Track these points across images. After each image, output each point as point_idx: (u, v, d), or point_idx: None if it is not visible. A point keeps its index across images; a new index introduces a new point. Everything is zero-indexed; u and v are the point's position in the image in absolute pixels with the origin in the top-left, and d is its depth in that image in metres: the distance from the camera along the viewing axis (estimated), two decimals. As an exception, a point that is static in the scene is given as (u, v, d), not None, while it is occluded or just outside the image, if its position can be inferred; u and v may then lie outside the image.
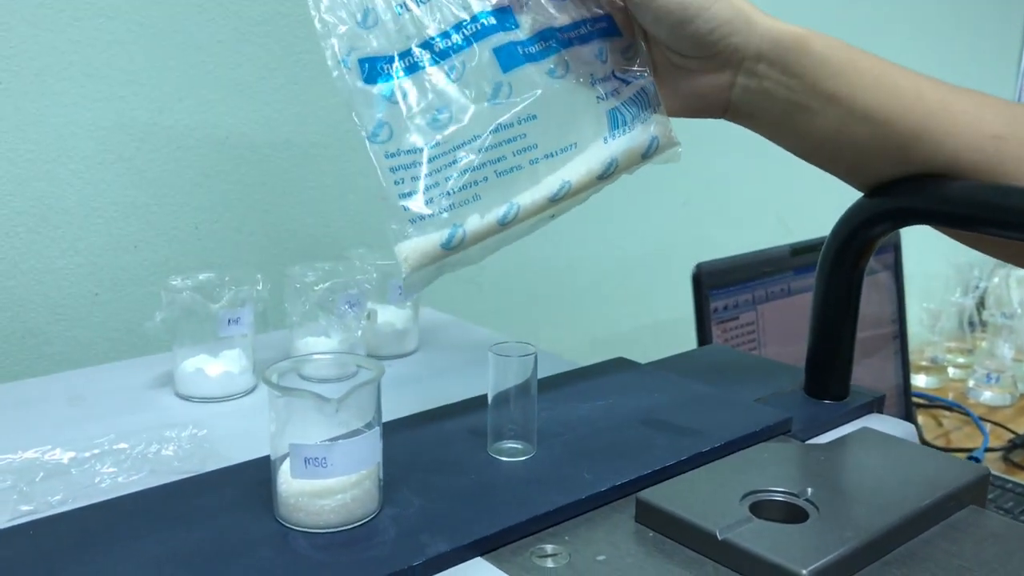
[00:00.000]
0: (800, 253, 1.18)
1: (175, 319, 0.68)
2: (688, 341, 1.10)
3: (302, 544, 0.46)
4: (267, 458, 0.50)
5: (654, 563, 0.46)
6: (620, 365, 0.72)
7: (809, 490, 0.50)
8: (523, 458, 0.55)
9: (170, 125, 0.91)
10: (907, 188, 0.59)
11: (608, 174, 0.57)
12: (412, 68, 0.56)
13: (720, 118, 0.61)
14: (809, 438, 0.61)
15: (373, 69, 0.56)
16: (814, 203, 1.48)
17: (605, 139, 0.57)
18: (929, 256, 1.74)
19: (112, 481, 0.55)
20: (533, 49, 0.57)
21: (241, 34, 0.94)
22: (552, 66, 0.56)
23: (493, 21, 0.56)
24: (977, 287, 1.89)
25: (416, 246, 0.54)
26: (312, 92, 1.00)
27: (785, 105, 0.57)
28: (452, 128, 0.55)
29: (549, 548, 0.47)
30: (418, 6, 0.56)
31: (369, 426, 0.48)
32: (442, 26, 0.56)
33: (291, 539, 0.46)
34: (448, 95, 0.55)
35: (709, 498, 0.49)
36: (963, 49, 1.98)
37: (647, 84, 0.58)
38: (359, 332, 0.72)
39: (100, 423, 0.64)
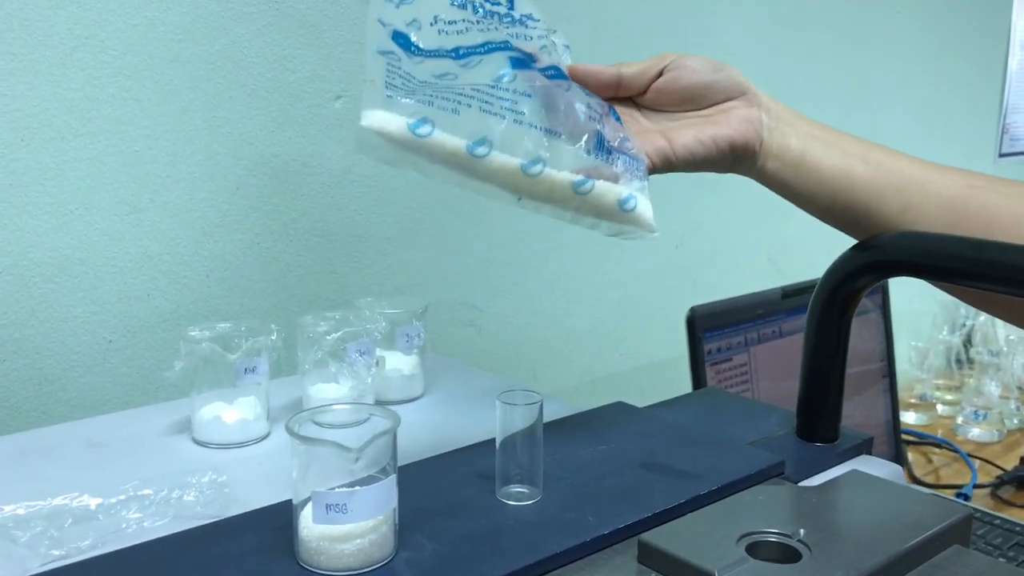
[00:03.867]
0: (791, 296, 1.22)
1: (193, 368, 0.71)
2: (683, 380, 1.13)
3: (324, 586, 0.48)
4: (286, 503, 0.53)
5: (656, 602, 0.48)
6: (620, 410, 0.75)
7: (801, 531, 0.52)
8: (530, 502, 0.58)
9: (182, 177, 0.94)
10: (891, 241, 0.63)
11: (583, 191, 0.60)
12: (435, 55, 0.61)
13: (755, 163, 0.67)
14: (801, 480, 0.64)
15: (403, 39, 0.61)
16: (804, 246, 1.52)
17: (588, 151, 0.61)
18: (916, 295, 1.78)
19: (138, 526, 0.57)
20: (545, 72, 0.62)
21: (251, 90, 0.97)
22: (559, 81, 0.61)
23: (514, 50, 0.62)
24: (964, 325, 1.93)
25: (385, 114, 0.56)
26: (319, 144, 1.03)
27: (798, 141, 0.66)
28: (459, 69, 0.60)
29: (557, 588, 0.50)
30: (458, 35, 0.62)
31: (385, 472, 0.51)
32: (471, 43, 0.62)
33: (314, 582, 0.49)
34: (456, 72, 0.60)
35: (707, 539, 0.52)
36: (946, 86, 2.03)
37: (640, 160, 0.63)
38: (369, 379, 0.75)
39: (122, 469, 0.67)
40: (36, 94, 0.84)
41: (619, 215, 0.62)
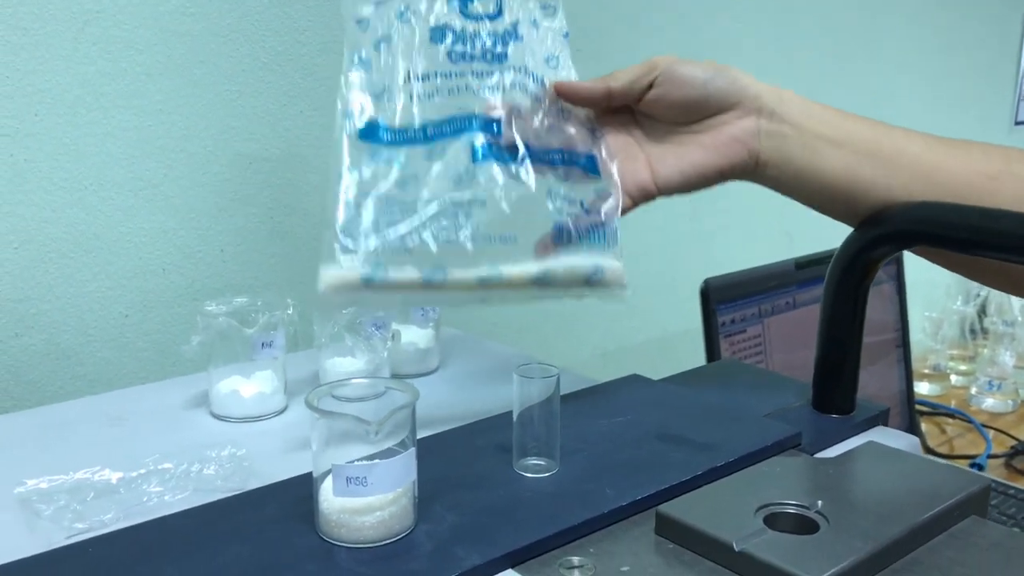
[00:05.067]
0: (804, 267, 1.22)
1: (210, 342, 0.71)
2: (697, 353, 1.13)
3: (345, 559, 0.49)
4: (305, 476, 0.53)
5: (674, 573, 0.49)
6: (635, 382, 0.75)
7: (819, 502, 0.52)
8: (547, 474, 0.58)
9: (196, 151, 0.94)
10: (907, 212, 0.62)
11: (544, 281, 0.62)
12: (402, 142, 0.62)
13: (753, 174, 0.66)
14: (818, 451, 0.64)
15: (371, 129, 0.63)
16: (817, 218, 1.51)
17: (547, 245, 0.62)
18: (931, 265, 1.77)
19: (159, 500, 0.58)
20: (505, 153, 0.63)
21: (263, 64, 0.97)
22: (517, 170, 0.63)
23: (481, 123, 0.63)
24: (978, 295, 1.92)
25: (339, 272, 0.59)
26: (331, 119, 1.02)
27: (801, 149, 0.63)
28: (411, 191, 0.61)
29: (575, 560, 0.50)
30: (429, 99, 0.64)
31: (404, 446, 0.51)
32: (440, 116, 0.63)
33: (335, 554, 0.49)
34: (420, 167, 0.62)
35: (725, 511, 0.52)
36: (960, 73, 2.01)
37: (609, 224, 0.63)
38: (385, 353, 0.75)
39: (142, 443, 0.67)
40: (49, 68, 0.84)
41: (587, 287, 0.63)
